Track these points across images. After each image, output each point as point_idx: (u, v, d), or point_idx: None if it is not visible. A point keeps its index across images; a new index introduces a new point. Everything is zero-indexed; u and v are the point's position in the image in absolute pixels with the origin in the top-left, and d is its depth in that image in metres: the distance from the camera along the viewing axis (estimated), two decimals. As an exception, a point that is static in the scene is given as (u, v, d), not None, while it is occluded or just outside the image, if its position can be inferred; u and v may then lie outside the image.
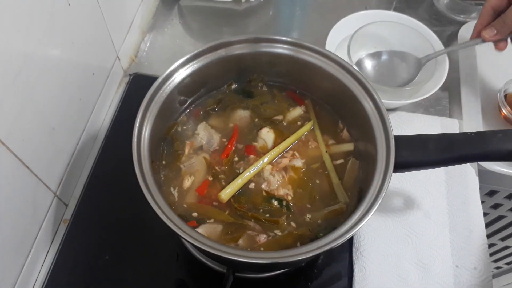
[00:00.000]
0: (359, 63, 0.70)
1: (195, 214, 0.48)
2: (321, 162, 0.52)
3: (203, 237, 0.39)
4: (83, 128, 0.63)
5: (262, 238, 0.47)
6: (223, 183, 0.50)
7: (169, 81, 0.49)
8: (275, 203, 0.49)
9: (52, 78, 0.51)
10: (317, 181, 0.51)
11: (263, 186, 0.50)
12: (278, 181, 0.50)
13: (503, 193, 0.79)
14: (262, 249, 0.46)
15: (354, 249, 0.57)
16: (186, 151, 0.52)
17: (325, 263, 0.57)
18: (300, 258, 0.38)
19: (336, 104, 0.55)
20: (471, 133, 0.46)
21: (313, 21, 0.85)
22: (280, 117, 0.56)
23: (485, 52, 0.72)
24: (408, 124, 0.67)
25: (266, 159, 0.51)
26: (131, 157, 0.43)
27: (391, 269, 0.56)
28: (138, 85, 0.73)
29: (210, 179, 0.51)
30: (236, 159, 0.52)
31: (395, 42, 0.72)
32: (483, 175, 0.66)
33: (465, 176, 0.63)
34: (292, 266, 0.55)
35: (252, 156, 0.52)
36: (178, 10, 0.84)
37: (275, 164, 0.52)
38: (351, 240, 0.58)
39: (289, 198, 0.50)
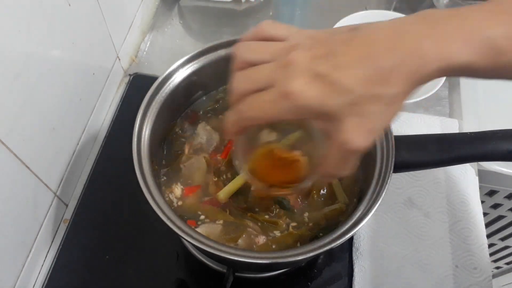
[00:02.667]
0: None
1: (195, 214, 0.48)
2: (321, 162, 0.52)
3: (203, 237, 0.39)
4: (84, 128, 0.63)
5: (262, 238, 0.47)
6: (222, 183, 0.50)
7: (169, 81, 0.49)
8: (274, 203, 0.49)
9: (52, 78, 0.51)
10: (317, 181, 0.51)
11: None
12: (278, 181, 0.50)
13: (503, 193, 0.79)
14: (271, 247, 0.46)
15: (354, 249, 0.57)
16: (186, 151, 0.52)
17: (325, 263, 0.57)
18: (300, 258, 0.38)
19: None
20: (471, 133, 0.46)
21: (313, 21, 0.85)
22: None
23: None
24: (407, 124, 0.67)
25: (266, 159, 0.51)
26: (131, 157, 0.43)
27: (391, 269, 0.56)
28: (138, 85, 0.73)
29: (215, 179, 0.51)
30: (236, 159, 0.52)
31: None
32: (483, 175, 0.66)
33: (465, 176, 0.63)
34: (292, 266, 0.55)
35: (251, 156, 0.52)
36: (178, 10, 0.84)
37: (274, 164, 0.52)
38: (351, 240, 0.58)
39: (288, 198, 0.50)
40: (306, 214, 0.49)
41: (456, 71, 0.28)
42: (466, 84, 0.72)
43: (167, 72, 0.49)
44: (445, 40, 0.27)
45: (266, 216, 0.48)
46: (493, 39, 0.26)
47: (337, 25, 0.72)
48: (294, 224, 0.48)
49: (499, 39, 0.26)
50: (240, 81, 0.31)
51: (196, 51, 0.50)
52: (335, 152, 0.30)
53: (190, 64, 0.50)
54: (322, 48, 0.28)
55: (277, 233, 0.47)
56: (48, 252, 0.58)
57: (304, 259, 0.40)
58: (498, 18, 0.27)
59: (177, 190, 0.50)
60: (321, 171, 0.33)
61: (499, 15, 0.27)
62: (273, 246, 0.46)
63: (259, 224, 0.47)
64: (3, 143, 0.43)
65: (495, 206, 0.86)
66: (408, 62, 0.27)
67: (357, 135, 0.28)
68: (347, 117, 0.28)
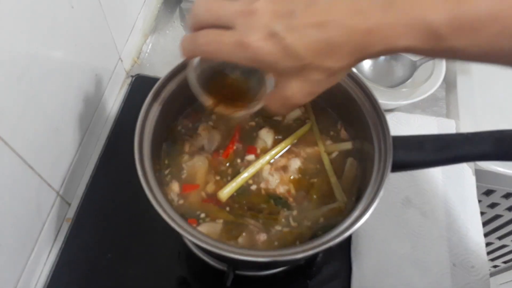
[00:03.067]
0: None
1: (197, 213, 0.49)
2: (320, 161, 0.53)
3: (203, 236, 0.40)
4: (86, 128, 0.63)
5: (262, 236, 0.47)
6: (223, 182, 0.51)
7: (170, 82, 0.49)
8: (274, 202, 0.50)
9: (55, 79, 0.52)
10: (316, 181, 0.52)
11: (262, 185, 0.51)
12: (277, 180, 0.51)
13: (499, 192, 0.80)
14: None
15: (352, 248, 0.58)
16: (188, 150, 0.53)
17: (323, 262, 0.58)
18: (299, 256, 0.39)
19: (334, 105, 0.56)
20: (467, 133, 0.47)
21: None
22: (279, 118, 0.56)
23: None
24: (405, 124, 0.68)
25: (265, 158, 0.52)
26: (133, 156, 0.43)
27: (388, 267, 0.56)
28: (140, 86, 0.73)
29: (216, 178, 0.51)
30: (237, 158, 0.53)
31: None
32: (480, 174, 0.67)
33: (462, 176, 0.63)
34: (291, 264, 0.56)
35: (252, 155, 0.53)
36: (179, 12, 0.85)
37: (274, 163, 0.53)
38: (349, 238, 0.59)
39: (288, 197, 0.50)
40: (305, 213, 0.49)
41: (397, 52, 0.31)
42: (463, 85, 0.73)
43: (168, 73, 0.49)
44: (391, 25, 0.29)
45: (266, 214, 0.49)
46: (434, 26, 0.28)
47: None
48: (294, 213, 0.49)
49: (439, 26, 0.28)
50: (203, 9, 0.33)
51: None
52: (278, 98, 0.36)
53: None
54: (285, 5, 0.31)
55: (278, 228, 0.48)
56: (50, 250, 0.58)
57: (303, 257, 0.40)
58: (443, 5, 0.28)
59: (178, 189, 0.51)
60: (264, 104, 0.39)
61: (445, 2, 0.28)
62: (275, 243, 0.47)
63: (260, 221, 0.48)
64: (6, 143, 0.44)
65: (492, 205, 0.87)
66: (356, 42, 0.30)
67: (298, 94, 0.34)
68: (293, 78, 0.32)
